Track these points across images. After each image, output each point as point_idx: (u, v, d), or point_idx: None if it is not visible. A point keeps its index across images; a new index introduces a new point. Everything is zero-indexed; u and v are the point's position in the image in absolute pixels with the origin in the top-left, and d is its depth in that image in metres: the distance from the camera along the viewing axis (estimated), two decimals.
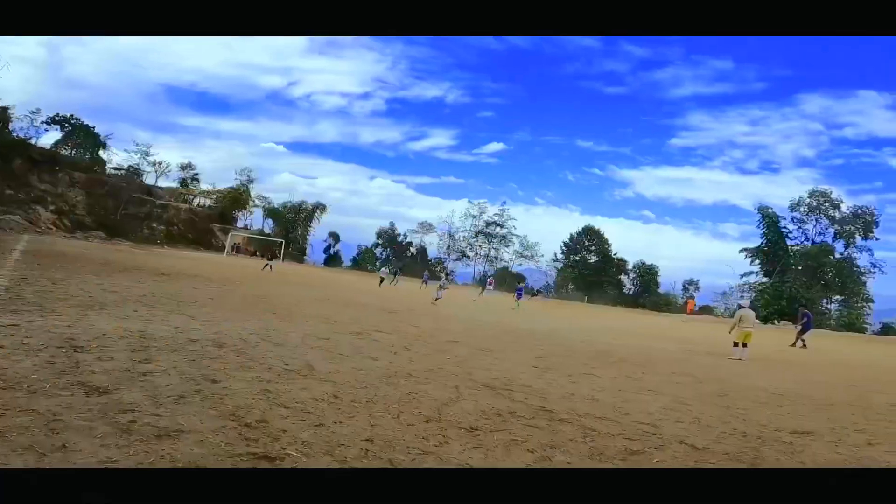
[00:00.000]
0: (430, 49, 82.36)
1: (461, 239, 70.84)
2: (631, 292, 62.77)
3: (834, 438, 4.83)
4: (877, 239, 48.08)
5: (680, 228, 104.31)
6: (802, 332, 18.73)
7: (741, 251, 54.75)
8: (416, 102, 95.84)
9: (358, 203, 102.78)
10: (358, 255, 71.57)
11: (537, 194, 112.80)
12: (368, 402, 4.45)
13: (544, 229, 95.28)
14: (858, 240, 48.26)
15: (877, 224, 47.82)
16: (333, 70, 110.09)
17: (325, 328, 8.83)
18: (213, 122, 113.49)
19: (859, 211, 48.57)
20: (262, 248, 49.67)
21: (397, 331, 9.99)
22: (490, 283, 42.40)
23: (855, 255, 48.48)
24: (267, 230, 67.90)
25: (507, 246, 69.41)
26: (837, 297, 49.23)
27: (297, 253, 67.57)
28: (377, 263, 69.22)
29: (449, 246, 71.00)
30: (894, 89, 74.62)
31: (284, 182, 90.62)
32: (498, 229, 69.35)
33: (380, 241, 74.16)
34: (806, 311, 22.33)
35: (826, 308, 49.11)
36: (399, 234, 74.64)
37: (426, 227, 73.40)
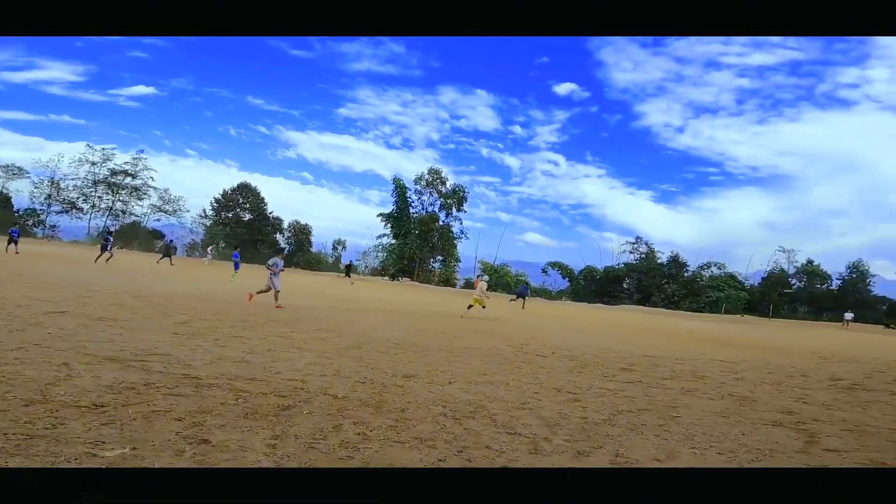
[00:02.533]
0: None
1: (70, 188, 55.49)
2: (286, 251, 63.93)
3: (428, 379, 5.71)
4: (465, 211, 64.17)
5: (334, 192, 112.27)
6: (522, 297, 26.02)
7: (378, 216, 63.67)
8: None
9: None
10: None
11: (189, 146, 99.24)
12: None
13: (194, 183, 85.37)
14: (454, 211, 63.19)
15: (466, 199, 63.74)
16: None
17: None
18: None
19: (457, 188, 63.11)
20: None
21: None
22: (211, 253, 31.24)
23: (452, 223, 63.35)
24: None
25: (141, 199, 58.80)
26: (440, 256, 63.68)
27: None
28: None
29: (50, 195, 54.46)
30: (497, 92, 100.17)
31: None
32: (129, 179, 57.69)
33: None
34: (525, 284, 30.68)
35: (433, 266, 62.97)
36: None
37: (13, 171, 54.13)
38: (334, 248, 71.32)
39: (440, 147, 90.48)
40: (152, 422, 3.42)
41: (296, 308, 12.72)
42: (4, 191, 54.41)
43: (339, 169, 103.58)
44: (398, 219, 61.81)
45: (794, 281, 58.00)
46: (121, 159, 57.38)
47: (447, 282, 58.25)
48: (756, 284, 57.93)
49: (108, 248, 24.42)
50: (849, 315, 40.26)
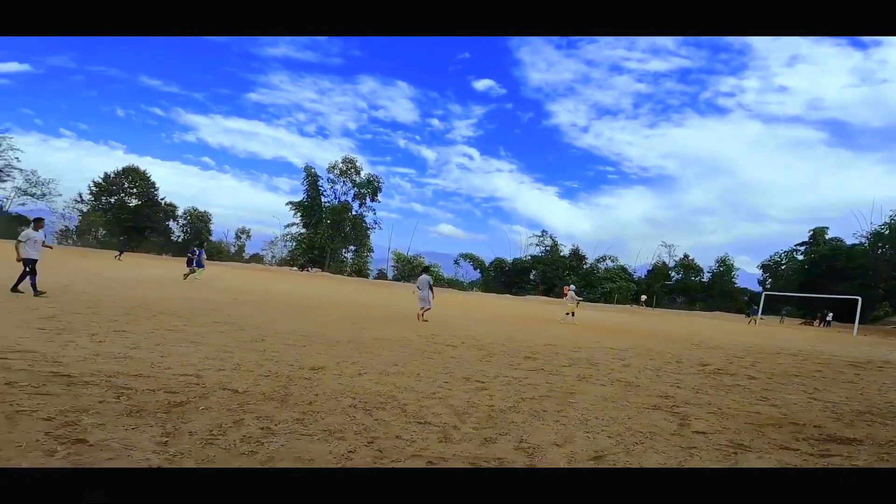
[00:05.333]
0: None
1: None
2: (181, 240, 58.97)
3: (337, 371, 5.65)
4: (379, 201, 63.47)
5: (238, 178, 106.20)
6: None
7: (287, 204, 60.86)
8: None
9: None
10: None
11: (65, 125, 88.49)
12: None
13: (69, 166, 76.51)
14: (368, 201, 62.15)
15: (381, 190, 62.94)
16: None
17: None
18: None
19: (371, 178, 62.19)
20: None
21: None
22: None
23: (365, 213, 62.29)
24: None
25: (3, 181, 50.94)
26: (352, 247, 62.42)
27: None
28: None
29: None
30: (418, 84, 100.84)
31: None
32: None
33: None
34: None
35: (344, 256, 61.56)
36: None
37: None
38: (237, 237, 67.15)
39: (357, 136, 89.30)
40: (16, 422, 3.10)
41: (189, 300, 11.77)
42: None
43: (245, 155, 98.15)
44: (309, 208, 59.59)
45: (673, 273, 64.56)
46: None
47: (359, 272, 57.28)
48: (643, 276, 63.77)
49: (198, 262, 20.30)
50: (643, 297, 49.76)
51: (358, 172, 61.24)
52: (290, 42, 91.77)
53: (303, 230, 59.63)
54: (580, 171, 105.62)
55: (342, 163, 60.96)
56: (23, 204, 52.73)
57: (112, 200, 55.52)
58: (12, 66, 65.63)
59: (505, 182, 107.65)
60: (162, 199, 58.58)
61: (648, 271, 64.45)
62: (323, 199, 60.61)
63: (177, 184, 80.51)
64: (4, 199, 51.90)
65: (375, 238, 63.56)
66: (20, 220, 51.67)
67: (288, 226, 60.70)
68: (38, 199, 52.70)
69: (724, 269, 61.97)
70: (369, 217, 62.03)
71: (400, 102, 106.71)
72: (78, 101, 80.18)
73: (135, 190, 56.72)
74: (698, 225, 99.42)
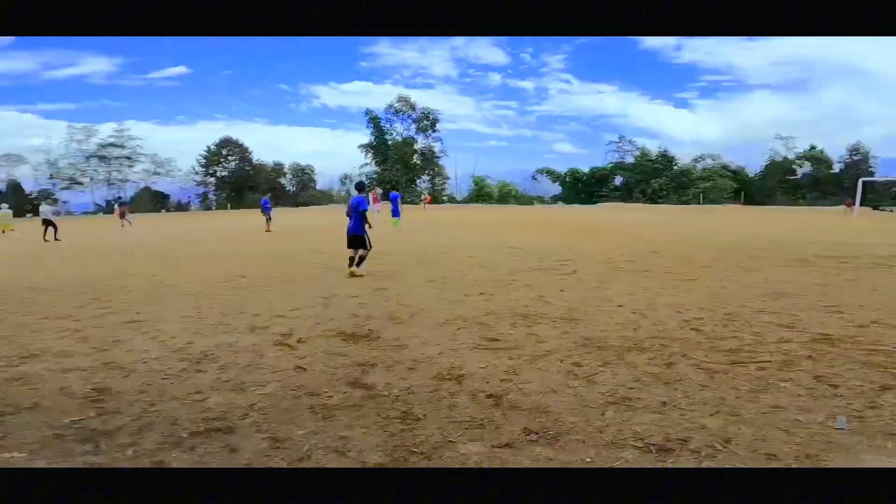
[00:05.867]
0: None
1: (67, 166, 59.92)
2: (290, 192, 66.69)
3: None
4: (437, 131, 64.97)
5: (353, 132, 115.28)
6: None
7: (358, 146, 64.89)
8: None
9: None
10: None
11: (219, 111, 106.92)
12: None
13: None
14: (431, 133, 64.16)
15: (438, 120, 64.55)
16: None
17: None
18: None
19: (427, 111, 64.04)
20: None
21: None
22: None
23: (433, 144, 64.79)
24: None
25: (132, 166, 63.33)
26: (425, 177, 65.35)
27: None
28: None
29: (52, 175, 58.62)
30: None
31: None
32: (116, 150, 61.70)
33: None
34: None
35: (419, 188, 64.57)
36: None
37: (14, 158, 58.09)
38: (342, 183, 73.12)
39: (458, 81, 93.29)
40: None
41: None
42: (12, 178, 57.75)
43: (358, 111, 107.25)
44: (377, 147, 63.63)
45: (796, 167, 56.23)
46: (105, 132, 60.22)
47: (435, 200, 59.92)
48: (758, 172, 56.74)
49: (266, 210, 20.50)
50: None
51: (413, 108, 63.94)
52: None
53: (376, 168, 63.55)
54: (690, 84, 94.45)
55: (397, 102, 63.88)
56: (154, 182, 63.63)
57: (215, 169, 64.21)
58: (179, 70, 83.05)
59: (612, 101, 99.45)
60: (257, 161, 65.68)
61: (765, 166, 57.35)
62: (388, 138, 63.98)
63: (311, 143, 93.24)
64: (139, 180, 63.36)
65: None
66: (153, 195, 62.67)
67: (361, 166, 65.00)
68: (164, 175, 64.00)
69: (859, 157, 53.06)
70: (437, 147, 65.10)
71: (490, 50, 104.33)
72: (227, 89, 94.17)
73: (233, 157, 64.68)
74: (837, 121, 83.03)
